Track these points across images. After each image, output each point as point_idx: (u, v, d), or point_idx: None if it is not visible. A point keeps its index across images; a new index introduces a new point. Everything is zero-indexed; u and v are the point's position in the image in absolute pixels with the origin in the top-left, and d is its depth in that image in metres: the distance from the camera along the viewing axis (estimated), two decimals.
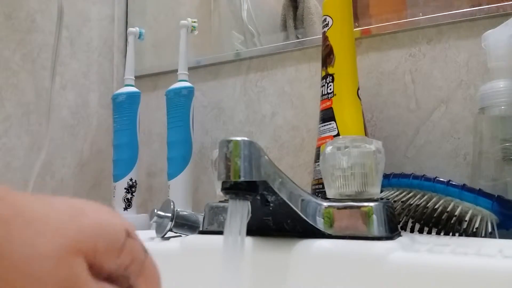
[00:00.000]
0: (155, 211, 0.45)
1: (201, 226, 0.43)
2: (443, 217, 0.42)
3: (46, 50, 0.72)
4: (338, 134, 0.52)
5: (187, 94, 0.71)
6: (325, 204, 0.37)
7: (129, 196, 0.71)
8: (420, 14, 0.61)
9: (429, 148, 0.60)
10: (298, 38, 0.71)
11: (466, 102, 0.58)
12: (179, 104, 0.70)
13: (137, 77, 0.76)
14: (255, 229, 0.37)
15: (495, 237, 0.41)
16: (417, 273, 0.30)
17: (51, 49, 0.71)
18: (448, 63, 0.60)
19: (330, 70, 0.54)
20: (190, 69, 0.74)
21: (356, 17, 0.61)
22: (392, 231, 0.36)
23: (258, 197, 0.34)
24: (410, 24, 0.62)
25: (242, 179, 0.30)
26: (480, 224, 0.41)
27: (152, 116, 0.83)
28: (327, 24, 0.55)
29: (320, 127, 0.55)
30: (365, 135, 0.54)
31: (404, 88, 0.62)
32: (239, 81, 0.75)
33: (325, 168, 0.39)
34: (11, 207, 0.17)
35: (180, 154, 0.70)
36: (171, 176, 0.69)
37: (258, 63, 0.74)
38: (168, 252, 0.41)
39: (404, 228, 0.46)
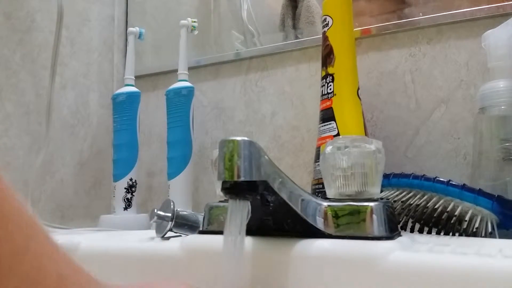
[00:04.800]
0: (155, 211, 0.45)
1: (201, 226, 0.43)
2: (443, 217, 0.42)
3: (46, 50, 0.72)
4: (338, 134, 0.52)
5: (187, 94, 0.71)
6: (325, 204, 0.37)
7: (129, 196, 0.71)
8: (420, 14, 0.61)
9: (429, 148, 0.60)
10: (297, 37, 0.71)
11: (466, 102, 0.58)
12: (179, 104, 0.71)
13: (137, 77, 0.76)
14: (255, 229, 0.37)
15: (495, 237, 0.41)
16: (417, 273, 0.30)
17: (51, 49, 0.71)
18: (448, 63, 0.60)
19: (330, 70, 0.54)
20: (190, 69, 0.74)
21: (356, 17, 0.61)
22: (392, 231, 0.36)
23: (258, 197, 0.34)
24: (410, 24, 0.62)
25: (242, 179, 0.30)
26: (480, 224, 0.41)
27: (152, 116, 0.83)
28: (327, 24, 0.55)
29: (320, 127, 0.55)
30: (365, 135, 0.54)
31: (404, 88, 0.62)
32: (239, 81, 0.75)
33: (325, 168, 0.39)
34: None
35: (180, 154, 0.70)
36: (171, 176, 0.69)
37: (258, 63, 0.74)
38: (168, 252, 0.41)
39: (404, 228, 0.46)
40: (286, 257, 0.35)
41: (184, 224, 0.45)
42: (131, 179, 0.71)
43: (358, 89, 0.54)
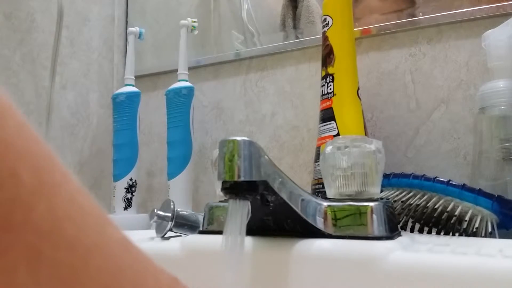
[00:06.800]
0: (155, 211, 0.45)
1: (201, 226, 0.43)
2: (443, 217, 0.42)
3: (46, 50, 0.72)
4: (338, 134, 0.52)
5: (187, 94, 0.71)
6: (325, 204, 0.37)
7: (129, 196, 0.71)
8: (420, 14, 0.61)
9: (429, 148, 0.60)
10: (297, 37, 0.71)
11: (466, 102, 0.58)
12: (179, 104, 0.71)
13: (137, 77, 0.76)
14: (255, 229, 0.37)
15: (495, 237, 0.41)
16: (417, 273, 0.30)
17: (51, 49, 0.71)
18: (448, 63, 0.60)
19: (330, 70, 0.54)
20: (190, 69, 0.74)
21: (356, 17, 0.61)
22: (392, 231, 0.36)
23: (258, 197, 0.34)
24: (410, 24, 0.62)
25: (242, 179, 0.30)
26: (480, 224, 0.41)
27: (152, 116, 0.83)
28: (327, 24, 0.55)
29: (320, 127, 0.55)
30: (365, 135, 0.54)
31: (404, 88, 0.62)
32: (239, 81, 0.75)
33: (325, 168, 0.39)
34: None
35: (180, 154, 0.70)
36: (171, 176, 0.69)
37: (258, 63, 0.74)
38: (168, 252, 0.41)
39: (404, 228, 0.46)
40: (286, 257, 0.35)
41: (184, 224, 0.45)
42: (131, 179, 0.71)
43: (358, 89, 0.54)
